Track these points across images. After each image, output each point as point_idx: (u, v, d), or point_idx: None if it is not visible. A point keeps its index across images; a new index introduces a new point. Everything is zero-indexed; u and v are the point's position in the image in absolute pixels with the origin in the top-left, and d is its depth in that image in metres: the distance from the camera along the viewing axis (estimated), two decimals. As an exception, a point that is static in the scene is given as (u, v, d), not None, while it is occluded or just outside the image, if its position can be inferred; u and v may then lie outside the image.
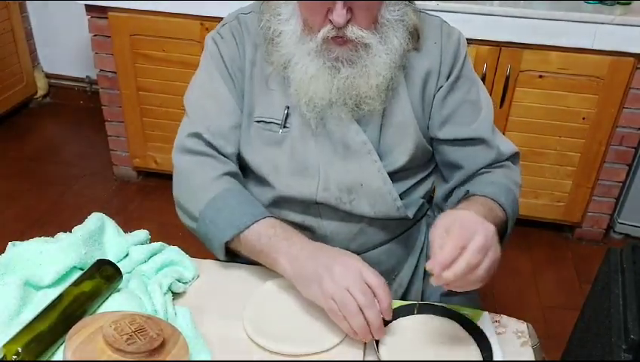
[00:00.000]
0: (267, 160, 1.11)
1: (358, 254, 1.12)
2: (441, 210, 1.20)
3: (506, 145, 1.15)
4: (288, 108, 1.08)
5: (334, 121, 1.06)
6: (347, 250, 1.08)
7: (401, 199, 1.13)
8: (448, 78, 1.10)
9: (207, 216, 1.04)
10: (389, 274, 1.18)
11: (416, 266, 1.24)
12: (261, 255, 0.99)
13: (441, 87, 1.10)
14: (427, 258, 1.21)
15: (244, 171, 1.16)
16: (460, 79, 1.11)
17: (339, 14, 0.94)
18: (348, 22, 0.95)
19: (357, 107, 1.04)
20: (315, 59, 1.00)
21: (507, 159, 1.14)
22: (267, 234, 0.99)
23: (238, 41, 1.10)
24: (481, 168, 1.13)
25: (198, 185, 1.07)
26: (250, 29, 1.10)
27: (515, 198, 1.09)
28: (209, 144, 1.09)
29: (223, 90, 1.10)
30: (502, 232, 1.03)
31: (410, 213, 1.15)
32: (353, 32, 0.96)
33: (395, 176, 1.12)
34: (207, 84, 1.12)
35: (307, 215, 1.14)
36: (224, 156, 1.10)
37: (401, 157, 1.11)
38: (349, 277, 0.88)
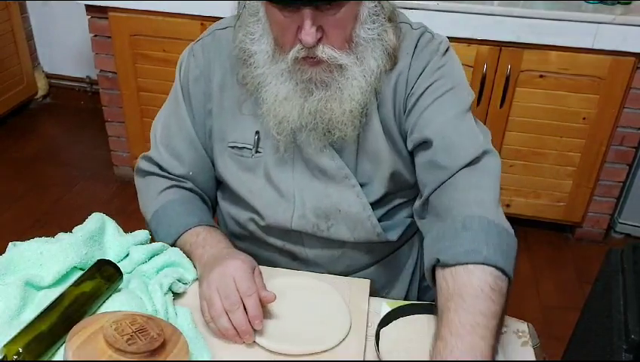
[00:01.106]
0: (243, 184, 1.09)
1: (345, 276, 1.09)
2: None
3: (465, 146, 0.94)
4: (258, 133, 1.05)
5: (309, 146, 1.02)
6: (332, 272, 1.09)
7: (386, 221, 1.10)
8: (414, 86, 0.99)
9: (152, 228, 1.10)
10: (379, 292, 1.15)
11: (410, 282, 1.21)
12: (191, 259, 1.04)
13: (408, 96, 0.99)
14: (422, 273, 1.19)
15: (225, 196, 1.17)
16: (429, 87, 0.98)
17: (307, 33, 0.86)
18: (319, 41, 0.88)
19: (329, 132, 0.98)
20: (287, 80, 0.95)
21: (468, 165, 0.93)
22: (189, 242, 1.04)
23: (206, 61, 1.07)
24: (437, 186, 0.95)
25: (148, 201, 1.13)
26: (222, 47, 1.06)
27: (497, 230, 0.86)
28: (160, 166, 1.13)
29: (183, 112, 1.09)
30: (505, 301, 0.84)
31: (395, 236, 1.11)
32: (324, 52, 0.89)
33: (375, 203, 1.07)
34: (174, 101, 1.12)
35: (287, 241, 1.12)
36: (175, 175, 1.12)
37: (379, 188, 1.06)
38: (220, 281, 0.91)
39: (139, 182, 1.17)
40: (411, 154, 1.03)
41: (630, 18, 2.03)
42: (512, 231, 0.89)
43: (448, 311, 0.81)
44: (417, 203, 1.02)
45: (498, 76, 2.20)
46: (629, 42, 2.05)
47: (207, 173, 1.14)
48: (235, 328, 0.88)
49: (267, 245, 1.14)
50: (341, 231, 1.08)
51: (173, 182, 1.11)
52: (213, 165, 1.13)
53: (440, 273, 0.87)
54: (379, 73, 0.96)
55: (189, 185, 1.13)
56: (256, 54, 0.97)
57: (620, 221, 2.51)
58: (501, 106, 2.23)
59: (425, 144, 0.98)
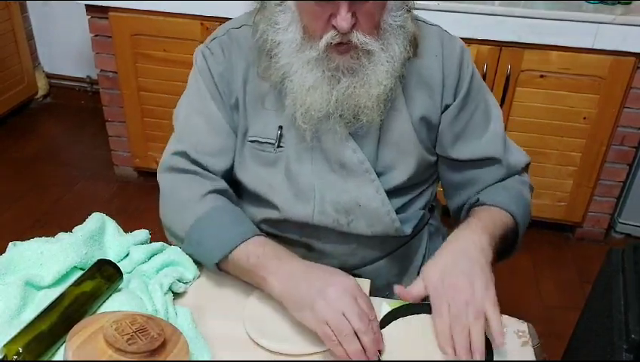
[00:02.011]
0: (262, 180, 1.09)
1: (355, 269, 1.13)
2: (457, 217, 1.19)
3: (517, 157, 1.13)
4: (282, 128, 1.05)
5: (330, 138, 1.03)
6: (344, 265, 1.09)
7: (400, 213, 1.11)
8: (456, 93, 1.06)
9: (193, 238, 1.01)
10: (388, 286, 1.16)
11: (418, 274, 1.22)
12: (250, 274, 0.96)
13: (448, 105, 1.06)
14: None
15: (239, 191, 1.14)
16: (469, 94, 1.07)
17: (344, 18, 0.88)
18: (353, 27, 0.91)
19: (355, 118, 1.00)
20: (314, 68, 0.96)
21: (519, 172, 1.14)
22: (256, 254, 0.95)
23: (227, 57, 1.06)
24: (493, 183, 1.12)
25: (183, 205, 1.04)
26: (241, 44, 1.06)
27: (527, 203, 1.10)
28: (195, 162, 1.07)
29: (212, 108, 1.07)
30: (512, 238, 1.06)
31: (409, 229, 1.12)
32: (357, 37, 0.92)
33: (393, 193, 1.09)
34: (197, 101, 1.09)
35: (303, 235, 1.12)
36: (212, 173, 1.08)
37: (400, 175, 1.08)
38: (345, 301, 0.85)
39: (169, 181, 1.08)
40: (439, 155, 1.13)
41: (630, 18, 2.03)
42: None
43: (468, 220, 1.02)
44: (451, 208, 1.20)
45: (498, 76, 2.20)
46: (629, 42, 2.05)
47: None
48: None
49: (282, 238, 1.14)
50: (360, 226, 1.09)
51: (213, 185, 1.05)
52: None
53: (472, 210, 1.08)
54: (402, 59, 0.99)
55: (225, 186, 1.08)
56: (281, 44, 0.97)
57: (621, 221, 2.51)
58: (501, 106, 2.23)
59: (489, 160, 1.10)
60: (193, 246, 1.01)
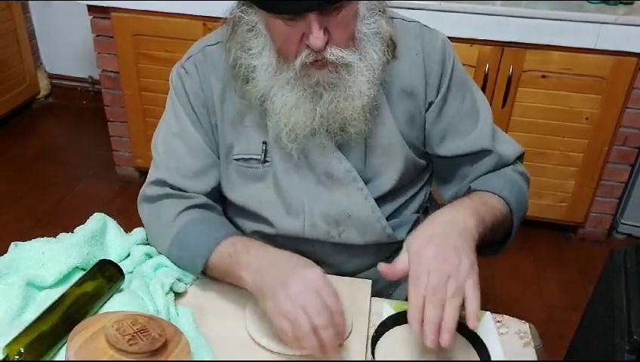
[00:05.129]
0: (251, 196, 1.08)
1: (353, 275, 1.11)
2: None
3: (508, 147, 1.10)
4: (266, 143, 1.04)
5: (316, 151, 1.02)
6: (341, 272, 1.09)
7: (392, 219, 1.10)
8: (439, 90, 1.04)
9: (174, 255, 1.02)
10: (385, 290, 1.15)
11: None
12: (229, 275, 0.95)
13: (432, 102, 1.04)
14: None
15: (230, 206, 1.14)
16: (451, 89, 1.05)
17: (316, 37, 0.86)
18: (326, 43, 0.89)
19: (342, 131, 0.98)
20: (294, 87, 0.94)
21: (512, 162, 1.11)
22: (228, 253, 0.95)
23: (202, 76, 1.05)
24: (486, 173, 1.09)
25: (162, 227, 1.04)
26: (216, 62, 1.04)
27: (522, 190, 1.07)
28: (172, 187, 1.06)
29: (190, 129, 1.06)
30: (507, 226, 1.02)
31: (402, 234, 1.11)
32: (332, 53, 0.90)
33: (383, 199, 1.08)
34: (174, 123, 1.07)
35: (297, 247, 1.11)
36: (191, 194, 1.06)
37: (388, 180, 1.07)
38: (306, 296, 0.83)
39: (147, 210, 1.08)
40: (427, 154, 1.11)
41: (633, 18, 2.03)
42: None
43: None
44: (444, 199, 1.14)
45: (500, 76, 2.20)
46: (631, 42, 2.05)
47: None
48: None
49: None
50: (352, 236, 1.09)
51: (189, 202, 1.04)
52: None
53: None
54: (382, 65, 0.97)
55: (204, 200, 1.07)
56: (257, 68, 0.96)
57: (622, 221, 2.51)
58: (503, 106, 2.23)
59: (480, 153, 1.07)
60: (178, 263, 1.02)
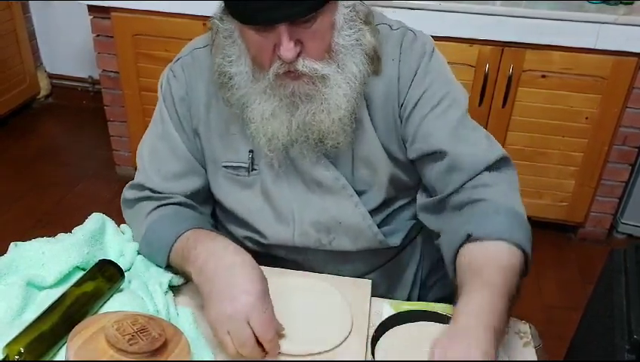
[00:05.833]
0: (241, 203, 1.08)
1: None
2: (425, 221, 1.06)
3: (474, 150, 0.97)
4: (252, 152, 1.03)
5: (303, 158, 1.00)
6: (337, 275, 1.06)
7: (385, 226, 1.09)
8: (408, 95, 0.99)
9: (144, 253, 1.02)
10: (385, 295, 1.14)
11: (413, 283, 1.21)
12: (185, 272, 0.94)
13: (402, 104, 1.00)
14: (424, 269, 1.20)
15: (222, 214, 1.14)
16: (424, 95, 0.98)
17: (286, 48, 0.85)
18: (298, 55, 0.87)
19: (320, 142, 0.97)
20: (270, 97, 0.93)
21: (488, 169, 0.97)
22: (181, 248, 0.94)
23: (188, 80, 1.04)
24: (439, 177, 0.99)
25: (137, 227, 1.05)
26: (203, 65, 1.03)
27: (523, 220, 0.94)
28: (151, 190, 1.06)
29: (173, 133, 1.05)
30: (523, 267, 0.89)
31: (397, 241, 1.10)
32: (305, 65, 0.88)
33: (376, 210, 1.07)
34: (160, 125, 1.07)
35: (289, 254, 1.11)
36: (168, 195, 1.05)
37: (378, 195, 1.06)
38: (233, 323, 0.81)
39: (127, 214, 1.09)
40: (411, 160, 1.04)
41: (633, 18, 2.03)
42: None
43: (470, 284, 0.83)
44: (428, 201, 1.03)
45: (500, 76, 2.19)
46: (631, 42, 2.05)
47: (207, 191, 1.11)
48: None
49: (269, 256, 1.13)
50: (343, 243, 1.08)
51: (161, 201, 1.04)
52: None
53: (466, 248, 0.89)
54: (362, 77, 0.94)
55: (182, 199, 1.05)
56: (236, 76, 0.95)
57: (623, 221, 2.51)
58: (503, 106, 2.23)
59: (436, 154, 0.98)
60: (149, 260, 1.02)
